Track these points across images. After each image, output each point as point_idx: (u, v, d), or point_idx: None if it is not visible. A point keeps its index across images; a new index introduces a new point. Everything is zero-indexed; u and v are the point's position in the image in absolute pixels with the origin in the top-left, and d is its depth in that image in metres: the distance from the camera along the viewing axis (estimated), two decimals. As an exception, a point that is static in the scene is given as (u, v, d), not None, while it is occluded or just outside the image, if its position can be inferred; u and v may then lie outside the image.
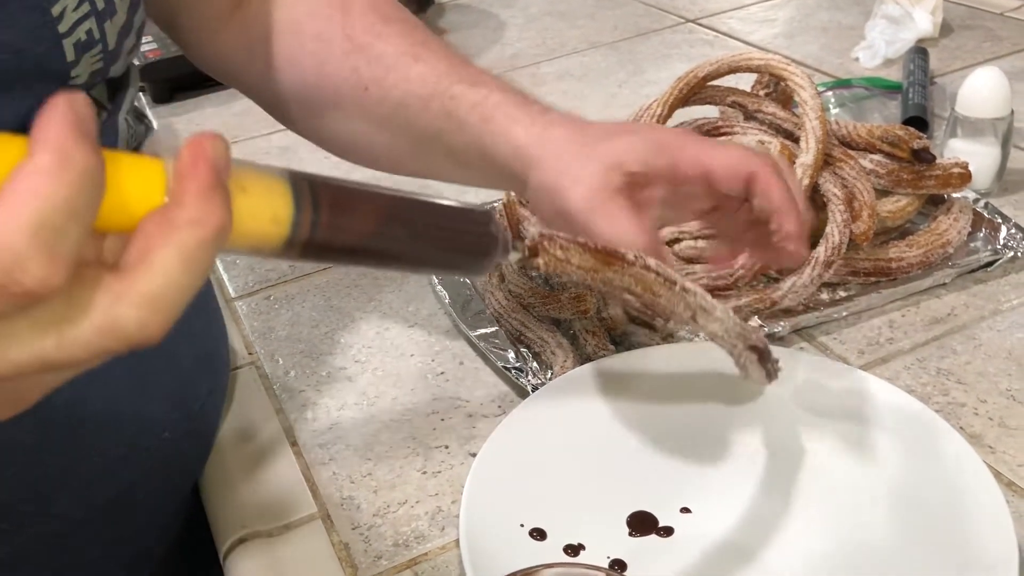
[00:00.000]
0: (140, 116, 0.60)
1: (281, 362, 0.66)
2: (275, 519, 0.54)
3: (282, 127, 1.04)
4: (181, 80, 1.13)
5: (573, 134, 0.51)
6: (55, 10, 0.43)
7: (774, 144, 0.66)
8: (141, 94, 1.14)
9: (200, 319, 0.59)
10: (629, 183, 0.49)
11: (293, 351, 0.67)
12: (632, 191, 0.49)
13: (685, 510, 0.50)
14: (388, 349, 0.67)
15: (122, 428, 0.52)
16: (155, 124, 1.07)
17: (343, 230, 0.32)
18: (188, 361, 0.57)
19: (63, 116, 0.25)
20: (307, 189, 0.31)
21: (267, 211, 0.30)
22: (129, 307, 0.27)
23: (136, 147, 0.55)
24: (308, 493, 0.55)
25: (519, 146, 0.51)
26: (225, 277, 0.77)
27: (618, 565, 0.47)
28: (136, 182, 0.27)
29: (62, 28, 0.44)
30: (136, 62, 0.57)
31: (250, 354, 0.68)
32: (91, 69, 0.47)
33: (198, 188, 0.27)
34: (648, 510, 0.50)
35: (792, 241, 0.49)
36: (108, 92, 0.52)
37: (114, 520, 0.54)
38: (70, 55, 0.45)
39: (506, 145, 0.52)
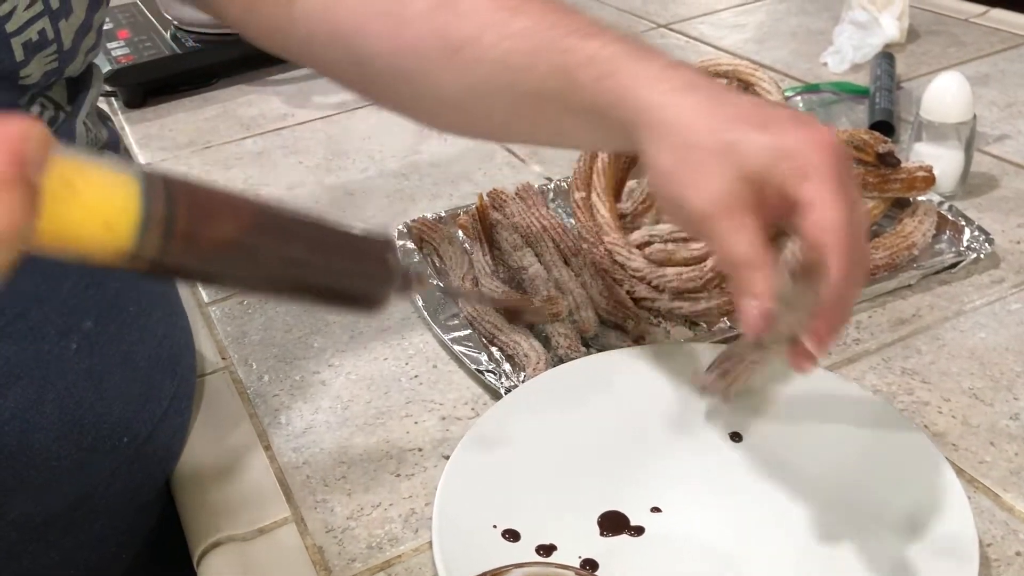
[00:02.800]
0: (104, 118, 0.59)
1: (255, 367, 0.66)
2: (249, 523, 0.54)
3: (256, 132, 1.04)
4: (153, 85, 1.13)
5: (704, 111, 0.44)
6: (2, 9, 0.42)
7: (742, 148, 0.67)
8: (113, 99, 1.13)
9: (161, 323, 0.59)
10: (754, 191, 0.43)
11: (266, 356, 0.68)
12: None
13: (656, 509, 0.51)
14: (361, 353, 0.67)
15: (79, 433, 0.51)
16: (126, 127, 1.07)
17: (201, 242, 0.28)
18: (148, 365, 0.56)
19: None
20: (160, 191, 0.27)
21: (99, 215, 0.26)
22: None
23: (99, 152, 0.55)
24: (282, 496, 0.56)
25: (641, 109, 0.44)
26: (198, 282, 0.77)
27: (590, 565, 0.48)
28: None
29: (10, 27, 0.43)
30: (99, 63, 0.56)
31: (223, 359, 0.68)
32: (44, 69, 0.46)
33: None
34: (619, 510, 0.51)
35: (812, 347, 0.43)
36: (68, 93, 0.51)
37: (72, 526, 0.54)
38: (19, 54, 0.44)
39: (627, 108, 0.45)
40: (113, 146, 0.57)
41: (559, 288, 0.67)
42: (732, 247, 0.43)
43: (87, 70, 0.53)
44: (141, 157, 1.01)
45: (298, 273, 0.31)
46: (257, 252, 0.30)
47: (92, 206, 0.26)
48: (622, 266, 0.71)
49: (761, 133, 0.43)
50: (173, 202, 0.27)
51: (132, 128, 1.07)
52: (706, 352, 0.60)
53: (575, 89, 0.47)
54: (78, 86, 0.52)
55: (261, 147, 1.00)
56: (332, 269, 0.32)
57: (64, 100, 0.51)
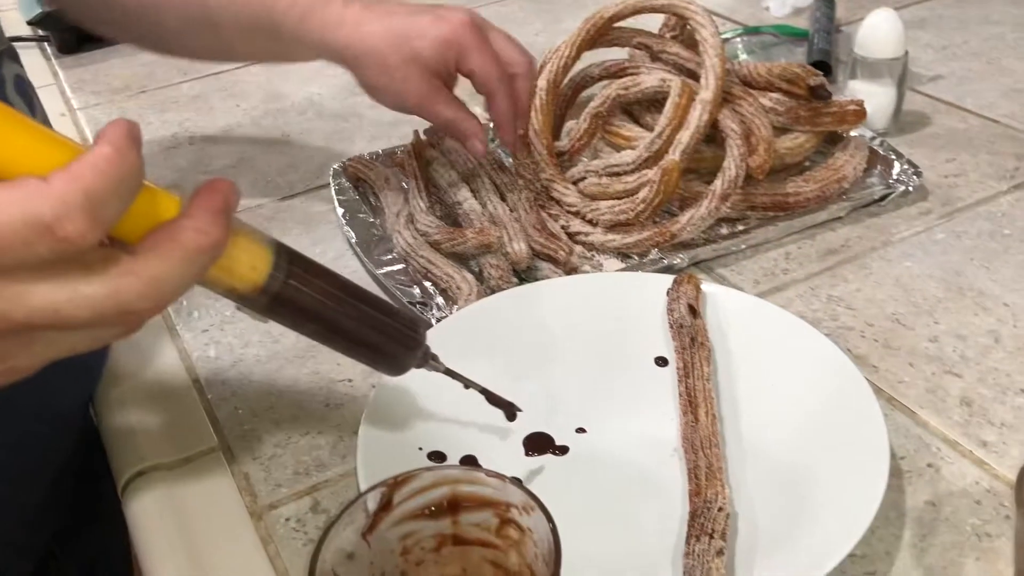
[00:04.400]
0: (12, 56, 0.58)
1: (184, 303, 0.66)
2: (175, 452, 0.54)
3: (194, 76, 1.02)
4: (87, 31, 1.10)
5: (386, 33, 0.63)
6: None
7: (675, 81, 0.67)
8: (46, 44, 1.10)
9: None
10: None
11: (196, 291, 0.66)
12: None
13: (580, 430, 0.51)
14: (294, 289, 0.66)
15: None
16: (60, 72, 1.04)
17: (305, 293, 0.39)
18: None
19: (123, 127, 0.31)
20: (284, 253, 0.39)
21: (248, 258, 0.37)
22: (134, 281, 0.32)
23: None
24: (209, 427, 0.55)
25: (341, 48, 0.64)
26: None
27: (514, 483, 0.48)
28: (158, 202, 0.34)
29: None
30: (25, 6, 0.55)
31: (154, 296, 0.67)
32: None
33: (208, 208, 0.34)
34: (544, 431, 0.51)
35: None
36: None
37: None
38: None
39: (328, 48, 0.65)
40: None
41: (493, 222, 0.67)
42: (444, 116, 0.67)
43: None
44: (75, 102, 0.98)
45: (359, 325, 0.42)
46: (342, 303, 0.41)
47: (245, 251, 0.37)
48: (558, 202, 0.71)
49: (427, 37, 0.64)
50: (291, 259, 0.39)
51: (66, 73, 1.04)
52: (634, 281, 0.61)
53: (281, 30, 0.65)
54: None
55: (198, 91, 0.98)
56: (383, 329, 0.43)
57: None
